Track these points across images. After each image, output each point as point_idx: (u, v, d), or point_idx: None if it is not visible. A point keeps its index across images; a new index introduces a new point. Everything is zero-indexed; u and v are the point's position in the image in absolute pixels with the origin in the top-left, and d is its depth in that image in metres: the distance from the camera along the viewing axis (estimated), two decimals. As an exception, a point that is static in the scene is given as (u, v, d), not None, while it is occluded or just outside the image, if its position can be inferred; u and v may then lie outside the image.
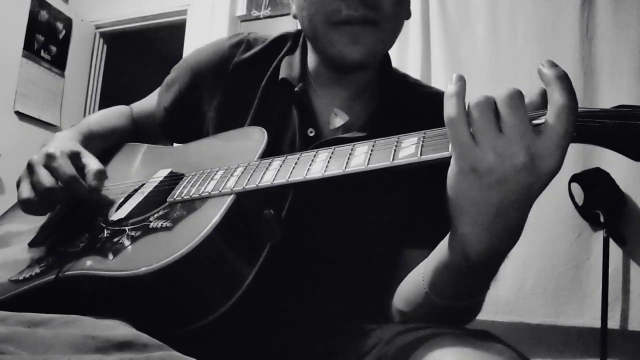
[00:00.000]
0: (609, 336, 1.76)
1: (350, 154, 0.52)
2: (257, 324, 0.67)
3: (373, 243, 0.71)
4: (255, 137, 0.67)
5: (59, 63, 3.17)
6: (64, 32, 3.20)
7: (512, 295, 1.94)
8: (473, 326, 0.57)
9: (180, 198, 0.61)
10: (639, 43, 1.91)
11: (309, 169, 0.54)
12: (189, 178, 0.65)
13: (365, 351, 0.57)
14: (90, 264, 0.56)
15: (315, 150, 0.57)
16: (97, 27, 3.45)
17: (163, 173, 0.71)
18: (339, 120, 0.74)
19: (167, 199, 0.62)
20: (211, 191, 0.58)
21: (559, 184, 1.92)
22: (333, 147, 0.55)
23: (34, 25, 2.96)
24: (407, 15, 0.75)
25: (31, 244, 0.69)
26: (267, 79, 0.78)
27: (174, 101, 0.85)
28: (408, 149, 0.48)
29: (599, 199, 1.84)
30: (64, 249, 0.63)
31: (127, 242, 0.56)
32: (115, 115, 0.91)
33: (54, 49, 3.12)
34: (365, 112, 0.76)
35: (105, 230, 0.62)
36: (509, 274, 1.96)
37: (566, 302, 1.89)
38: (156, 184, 0.69)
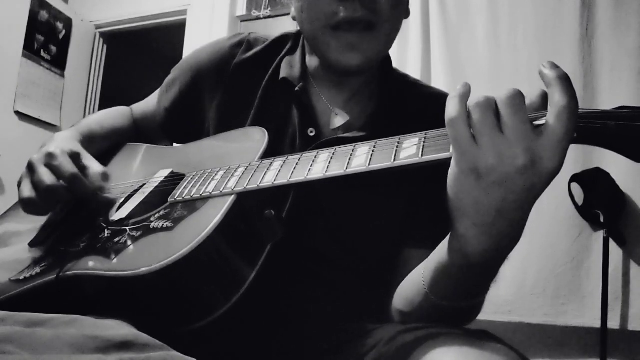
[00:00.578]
0: (609, 336, 1.76)
1: (351, 155, 0.52)
2: (258, 324, 0.67)
3: (373, 243, 0.71)
4: (256, 137, 0.67)
5: (59, 63, 3.17)
6: (64, 32, 3.20)
7: (512, 295, 1.94)
8: (473, 326, 0.57)
9: (181, 198, 0.61)
10: (639, 43, 1.91)
11: (310, 169, 0.54)
12: (189, 178, 0.65)
13: (365, 351, 0.57)
14: (91, 264, 0.56)
15: (316, 150, 0.57)
16: (97, 27, 3.45)
17: (164, 173, 0.71)
18: (339, 120, 0.74)
19: (168, 199, 0.62)
20: (212, 191, 0.58)
21: (559, 184, 1.92)
22: (334, 147, 0.55)
23: (34, 25, 2.96)
24: (406, 14, 0.75)
25: (32, 244, 0.70)
26: (268, 79, 0.78)
27: (175, 101, 0.85)
28: (409, 149, 0.48)
29: (599, 199, 1.84)
30: (65, 248, 0.63)
31: (128, 242, 0.56)
32: (115, 115, 0.91)
33: (54, 49, 3.12)
34: (366, 112, 0.76)
35: (106, 230, 0.62)
36: (509, 274, 1.95)
37: (566, 302, 1.89)
38: (157, 184, 0.69)
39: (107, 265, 0.54)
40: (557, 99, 0.40)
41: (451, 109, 0.43)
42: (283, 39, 0.82)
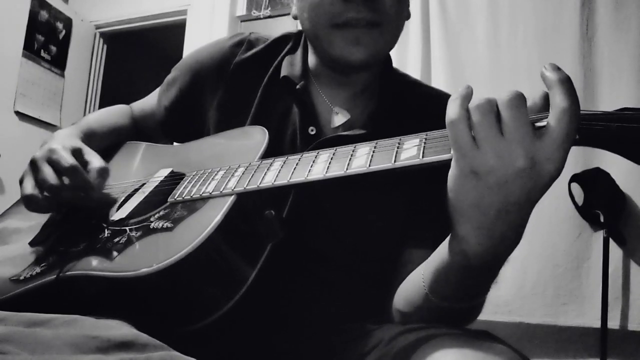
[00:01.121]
0: (609, 336, 1.76)
1: (351, 155, 0.52)
2: (258, 324, 0.67)
3: (374, 243, 0.71)
4: (256, 136, 0.67)
5: (59, 63, 3.17)
6: (64, 32, 3.20)
7: (512, 295, 1.94)
8: (473, 326, 0.57)
9: (181, 198, 0.61)
10: (639, 43, 1.91)
11: (310, 170, 0.53)
12: (189, 178, 0.65)
13: (366, 351, 0.57)
14: (91, 265, 0.56)
15: (317, 151, 0.57)
16: (97, 27, 3.45)
17: (164, 173, 0.71)
18: (340, 118, 0.74)
19: (168, 199, 0.62)
20: (212, 191, 0.58)
21: (559, 184, 1.91)
22: (334, 148, 0.55)
23: (34, 25, 2.96)
24: (407, 15, 0.75)
25: (32, 244, 0.69)
26: (268, 78, 0.78)
27: (175, 100, 0.85)
28: (410, 150, 0.48)
29: (599, 199, 1.84)
30: (65, 248, 0.63)
31: (128, 243, 0.56)
32: (115, 114, 0.91)
33: (54, 49, 3.12)
34: (366, 111, 0.76)
35: (105, 230, 0.62)
36: (509, 274, 1.96)
37: (566, 302, 1.89)
38: (157, 183, 0.69)
39: (107, 265, 0.54)
40: (558, 102, 0.40)
41: (452, 110, 0.43)
42: (284, 39, 0.82)
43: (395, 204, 0.71)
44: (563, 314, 1.88)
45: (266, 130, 0.67)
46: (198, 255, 0.50)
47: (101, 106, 3.38)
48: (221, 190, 0.58)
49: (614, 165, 1.84)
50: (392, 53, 0.79)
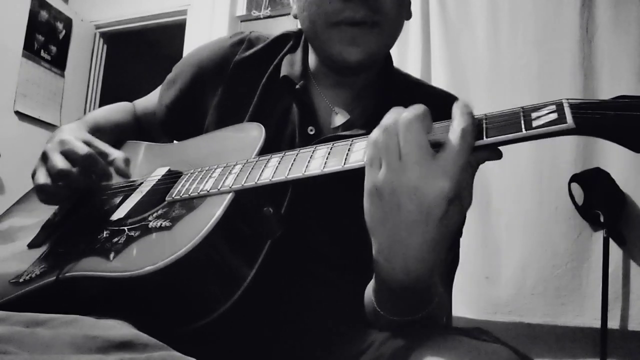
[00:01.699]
0: (609, 336, 1.76)
1: (349, 150, 0.52)
2: (257, 323, 0.66)
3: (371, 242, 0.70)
4: (253, 133, 0.67)
5: (59, 63, 3.17)
6: (64, 32, 3.20)
7: (512, 295, 1.94)
8: (473, 326, 0.56)
9: (179, 197, 0.61)
10: (639, 43, 1.91)
11: (307, 165, 0.53)
12: (187, 176, 0.65)
13: (362, 350, 0.57)
14: (90, 265, 0.56)
15: (314, 146, 0.56)
16: (97, 27, 3.45)
17: (161, 171, 0.71)
18: (339, 118, 0.74)
19: (166, 198, 0.62)
20: (210, 189, 0.58)
21: (559, 183, 1.92)
22: (332, 142, 0.55)
23: (34, 25, 2.96)
24: (408, 15, 0.75)
25: (31, 245, 0.69)
26: (268, 77, 0.78)
27: (175, 99, 0.85)
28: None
29: (599, 199, 1.84)
30: (64, 249, 0.63)
31: (126, 243, 0.56)
32: (118, 111, 0.92)
33: (54, 49, 3.12)
34: (366, 112, 0.76)
35: (104, 230, 0.62)
36: (509, 274, 1.96)
37: (566, 302, 1.89)
38: (154, 182, 0.69)
39: (107, 266, 0.54)
40: (455, 121, 0.43)
41: (373, 133, 0.46)
42: (284, 38, 0.82)
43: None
44: (563, 314, 1.88)
45: (262, 127, 0.67)
46: (197, 254, 0.50)
47: (101, 106, 3.38)
48: (219, 187, 0.57)
49: (614, 165, 1.84)
50: (392, 53, 0.79)
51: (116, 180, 0.76)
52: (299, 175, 0.53)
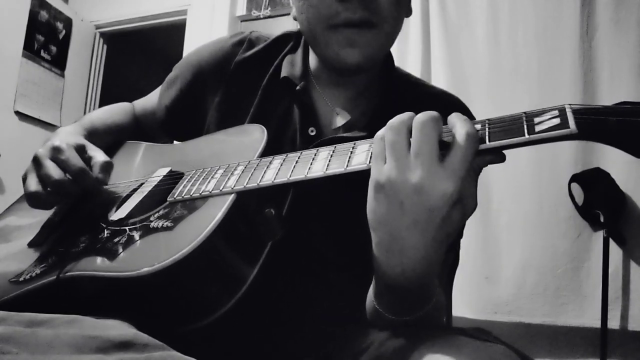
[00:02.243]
0: (609, 336, 1.76)
1: (351, 152, 0.52)
2: (257, 323, 0.66)
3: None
4: (255, 134, 0.67)
5: (59, 63, 3.17)
6: (64, 32, 3.20)
7: (512, 295, 1.94)
8: (473, 326, 0.56)
9: (180, 197, 0.61)
10: (639, 43, 1.91)
11: (310, 167, 0.53)
12: (189, 177, 0.65)
13: (361, 350, 0.57)
14: (91, 265, 0.55)
15: (316, 148, 0.56)
16: (97, 27, 3.45)
17: (162, 172, 0.71)
18: (340, 119, 0.74)
19: (168, 199, 0.62)
20: (212, 190, 0.58)
21: (559, 183, 1.93)
22: (334, 145, 0.55)
23: (34, 25, 2.96)
24: (408, 13, 0.75)
25: (31, 244, 0.69)
26: (269, 78, 0.78)
27: (176, 99, 0.85)
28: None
29: (599, 199, 1.84)
30: (64, 249, 0.63)
31: (128, 242, 0.56)
32: (117, 111, 0.91)
33: (54, 49, 3.12)
34: (367, 112, 0.76)
35: (105, 230, 0.62)
36: (509, 274, 1.96)
37: (566, 302, 1.89)
38: (156, 183, 0.69)
39: (107, 265, 0.54)
40: (458, 127, 0.44)
41: (380, 131, 0.47)
42: (285, 38, 0.82)
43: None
44: (563, 314, 1.88)
45: (264, 129, 0.67)
46: (199, 255, 0.50)
47: (101, 106, 3.38)
48: (221, 188, 0.57)
49: (614, 165, 1.84)
50: (392, 53, 0.79)
51: (117, 180, 0.76)
52: (302, 177, 0.53)
